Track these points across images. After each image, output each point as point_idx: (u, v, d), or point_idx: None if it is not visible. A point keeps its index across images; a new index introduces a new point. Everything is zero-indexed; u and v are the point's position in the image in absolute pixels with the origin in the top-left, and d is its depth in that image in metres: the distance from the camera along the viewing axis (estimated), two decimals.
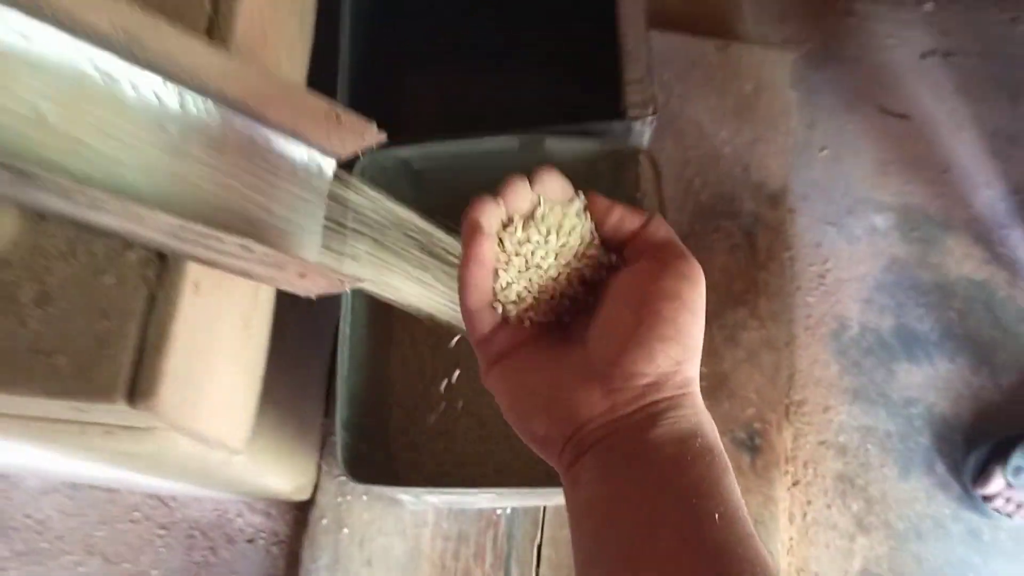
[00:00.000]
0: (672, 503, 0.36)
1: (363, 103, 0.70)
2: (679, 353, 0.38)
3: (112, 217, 0.45)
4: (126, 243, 0.51)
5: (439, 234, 0.56)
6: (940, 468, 1.06)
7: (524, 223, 0.42)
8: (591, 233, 0.43)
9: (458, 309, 0.50)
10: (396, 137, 0.59)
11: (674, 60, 1.18)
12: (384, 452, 0.86)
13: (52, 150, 0.45)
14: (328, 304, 0.74)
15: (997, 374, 1.09)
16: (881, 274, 1.13)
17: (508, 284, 0.42)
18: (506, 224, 0.42)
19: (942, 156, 1.18)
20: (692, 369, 0.39)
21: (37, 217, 0.51)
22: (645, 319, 0.38)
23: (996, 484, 1.01)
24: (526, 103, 1.02)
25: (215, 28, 0.55)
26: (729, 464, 0.37)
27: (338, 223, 0.58)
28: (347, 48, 0.80)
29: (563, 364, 0.41)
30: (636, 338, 0.38)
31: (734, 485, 0.37)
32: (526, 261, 0.42)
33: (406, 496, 0.83)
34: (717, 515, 0.35)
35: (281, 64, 0.65)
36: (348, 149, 0.57)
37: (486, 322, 0.43)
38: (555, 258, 0.43)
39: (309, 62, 0.70)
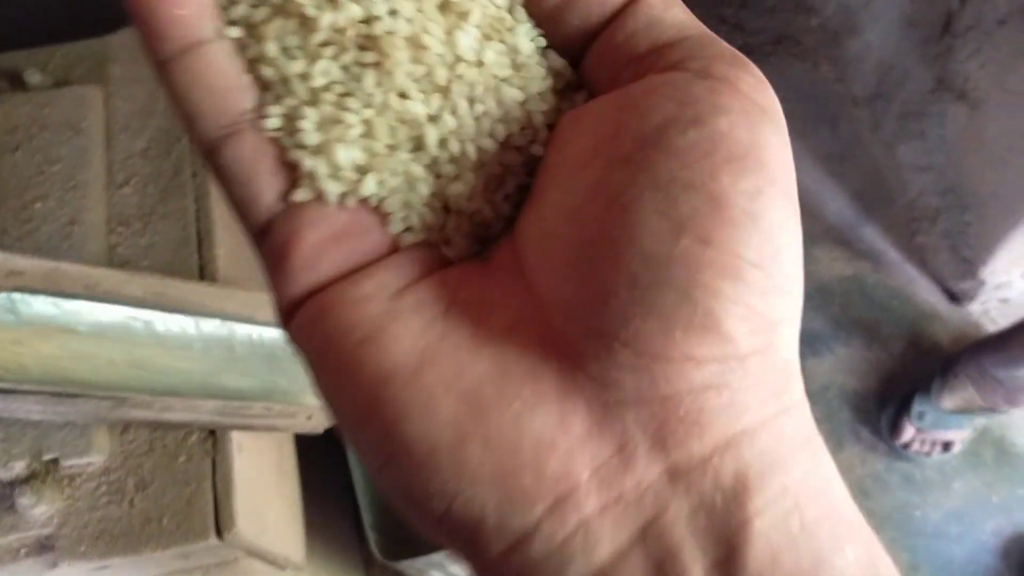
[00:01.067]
0: None
1: None
2: (772, 302, 0.19)
3: (176, 413, 0.68)
4: (188, 431, 0.74)
5: None
6: (864, 434, 1.27)
7: None
8: (505, 3, 0.22)
9: None
10: None
11: None
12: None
13: (128, 380, 0.68)
14: (332, 445, 0.96)
15: (887, 345, 1.32)
16: None
17: (292, 97, 0.21)
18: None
19: None
20: (794, 331, 0.20)
21: (120, 430, 0.74)
22: (687, 222, 0.18)
23: (908, 432, 1.22)
24: None
25: (206, 272, 0.79)
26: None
27: None
28: None
29: (485, 313, 0.20)
30: (666, 272, 0.18)
31: None
32: (340, 48, 0.21)
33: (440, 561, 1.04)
34: None
35: (252, 281, 0.89)
36: None
37: (260, 190, 0.21)
38: (407, 48, 0.21)
39: None
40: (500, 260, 0.21)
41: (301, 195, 0.21)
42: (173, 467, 0.73)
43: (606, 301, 0.18)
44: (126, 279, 0.68)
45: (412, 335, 0.20)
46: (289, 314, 0.22)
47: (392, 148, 0.21)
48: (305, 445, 0.88)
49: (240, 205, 0.21)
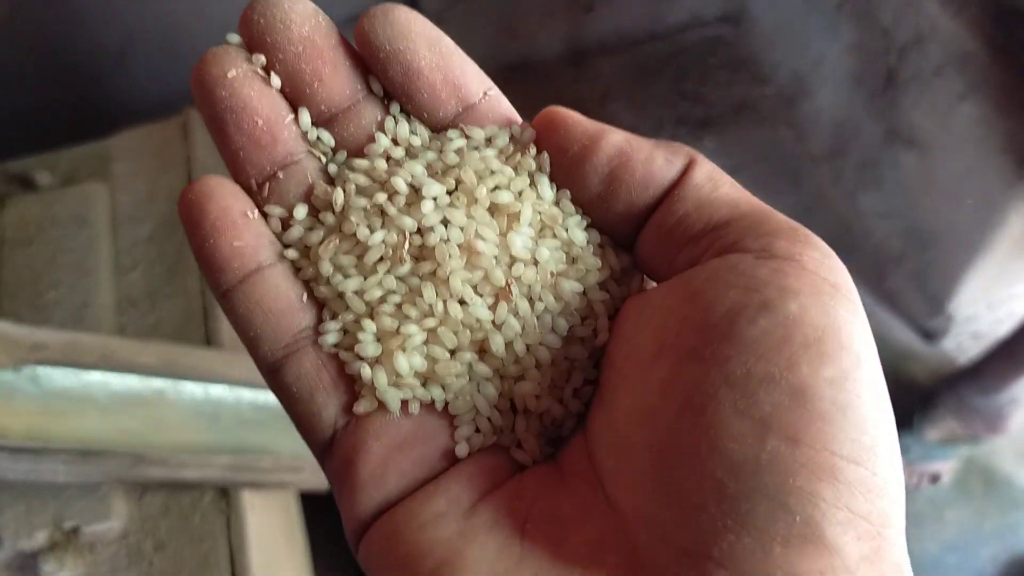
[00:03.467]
0: None
1: None
2: (874, 502, 0.18)
3: (191, 470, 0.72)
4: (201, 493, 0.77)
5: None
6: None
7: (365, 159, 0.23)
8: (553, 196, 0.23)
9: None
10: None
11: None
12: None
13: (144, 440, 0.72)
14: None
15: None
16: None
17: (348, 312, 0.22)
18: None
19: None
20: (901, 544, 0.18)
21: (138, 494, 0.78)
22: (770, 421, 0.17)
23: None
24: None
25: (212, 344, 0.85)
26: None
27: None
28: None
29: (562, 533, 0.19)
30: (755, 480, 0.17)
31: None
32: (394, 261, 0.22)
33: None
34: None
35: None
36: None
37: (321, 407, 0.22)
38: (461, 256, 0.21)
39: None
40: (574, 464, 0.20)
41: (363, 406, 0.21)
42: (189, 527, 0.76)
43: (694, 517, 0.17)
44: (140, 348, 0.73)
45: (489, 561, 0.18)
46: (358, 534, 0.21)
47: (455, 352, 0.21)
48: (309, 507, 0.92)
49: (304, 422, 0.22)
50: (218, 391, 0.79)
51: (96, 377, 0.74)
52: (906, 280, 1.38)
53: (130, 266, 0.88)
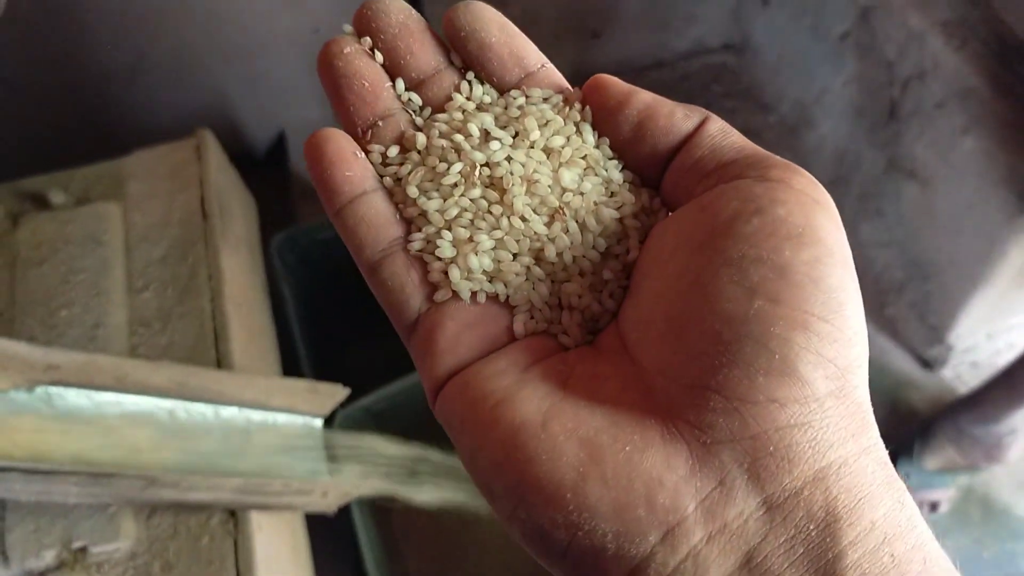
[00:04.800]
0: None
1: (323, 375, 1.01)
2: (839, 351, 0.22)
3: (201, 492, 0.73)
4: (209, 514, 0.78)
5: (397, 447, 0.86)
6: None
7: (446, 113, 0.29)
8: (595, 143, 0.28)
9: (433, 492, 0.79)
10: (355, 392, 0.88)
11: None
12: None
13: (154, 460, 0.73)
14: (340, 526, 1.00)
15: None
16: None
17: (435, 229, 0.28)
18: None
19: None
20: (864, 384, 0.23)
21: (146, 515, 0.78)
22: (758, 288, 0.22)
23: None
24: None
25: (222, 365, 0.85)
26: None
27: (333, 458, 0.86)
28: (303, 347, 1.11)
29: (597, 385, 0.24)
30: (744, 328, 0.22)
31: None
32: (467, 186, 0.28)
33: None
34: None
35: (263, 369, 0.95)
36: (327, 408, 0.86)
37: (409, 296, 0.28)
38: (527, 192, 0.27)
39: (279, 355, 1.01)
40: (607, 344, 0.26)
41: (441, 295, 0.27)
42: (197, 548, 0.77)
43: (697, 358, 0.22)
44: (153, 369, 0.74)
45: (538, 398, 0.24)
46: (436, 391, 0.27)
47: (516, 257, 0.28)
48: (315, 529, 0.92)
49: (394, 309, 0.28)
50: (228, 413, 0.80)
51: (109, 398, 0.74)
52: (906, 309, 1.39)
53: (142, 287, 0.88)
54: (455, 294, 0.27)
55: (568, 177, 0.28)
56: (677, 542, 0.21)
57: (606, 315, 0.28)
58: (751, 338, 0.22)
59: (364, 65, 0.29)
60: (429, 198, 0.28)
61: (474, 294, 0.27)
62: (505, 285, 0.27)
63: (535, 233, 0.27)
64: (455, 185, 0.28)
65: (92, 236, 0.90)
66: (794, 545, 0.21)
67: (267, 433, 0.82)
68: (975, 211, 1.17)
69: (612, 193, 0.29)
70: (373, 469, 0.86)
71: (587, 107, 0.29)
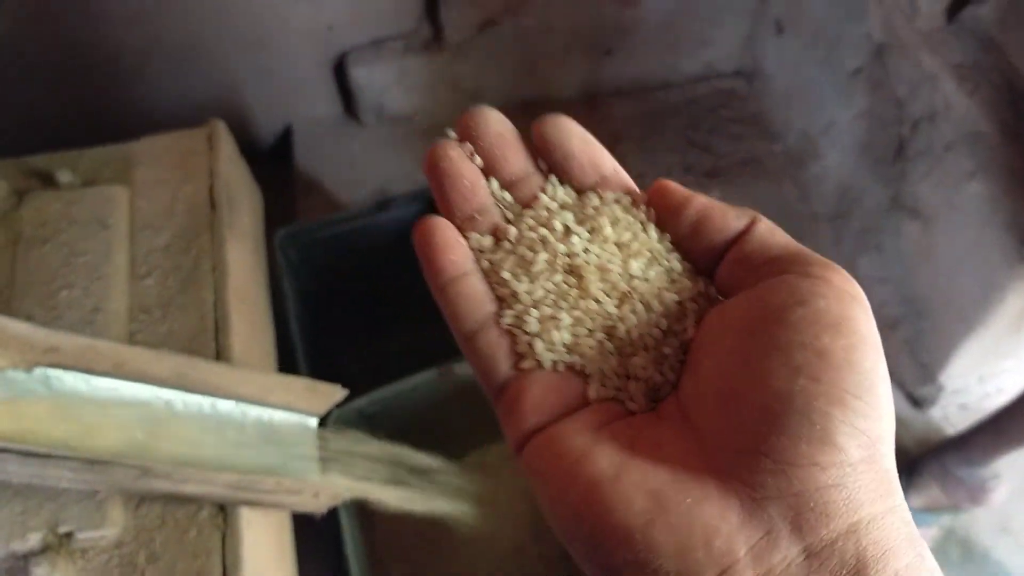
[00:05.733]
0: None
1: (318, 373, 1.00)
2: (870, 422, 0.25)
3: (194, 485, 0.72)
4: (199, 507, 0.77)
5: (390, 449, 0.85)
6: None
7: (533, 210, 0.34)
8: (659, 238, 0.33)
9: (419, 498, 0.78)
10: (350, 394, 0.88)
11: None
12: None
13: (149, 450, 0.72)
14: (323, 526, 0.99)
15: None
16: None
17: (524, 308, 0.32)
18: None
19: None
20: (892, 455, 0.26)
21: (135, 504, 0.77)
22: (802, 368, 0.25)
23: None
24: (439, 347, 1.34)
25: (221, 358, 0.85)
26: None
27: (325, 459, 0.85)
28: (301, 344, 1.10)
29: (660, 446, 0.28)
30: (790, 403, 0.25)
31: None
32: (550, 272, 0.33)
33: None
34: None
35: (262, 364, 0.94)
36: (323, 407, 0.86)
37: (497, 364, 0.32)
38: (600, 278, 0.32)
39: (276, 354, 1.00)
40: (668, 412, 0.30)
41: (527, 363, 0.32)
42: (184, 541, 0.76)
43: (749, 427, 0.26)
44: (153, 358, 0.73)
45: (610, 455, 0.28)
46: (520, 446, 0.30)
47: (591, 333, 0.32)
48: (298, 527, 0.92)
49: (485, 373, 0.32)
50: (226, 406, 0.79)
51: (107, 383, 0.73)
52: (899, 346, 1.40)
53: (145, 273, 0.88)
54: (539, 363, 0.31)
55: (635, 266, 0.32)
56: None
57: (667, 386, 0.31)
58: (796, 411, 0.25)
59: (466, 167, 0.34)
60: (519, 281, 0.32)
61: (555, 363, 0.32)
62: (581, 357, 0.31)
63: (607, 313, 0.32)
64: (541, 271, 0.32)
65: (97, 219, 0.89)
66: None
67: (262, 429, 0.81)
68: (976, 254, 1.18)
69: (673, 280, 0.32)
70: (363, 472, 0.86)
71: (651, 208, 0.33)
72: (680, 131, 1.72)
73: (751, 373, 0.26)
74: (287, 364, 1.03)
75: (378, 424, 1.09)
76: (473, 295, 0.32)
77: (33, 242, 0.87)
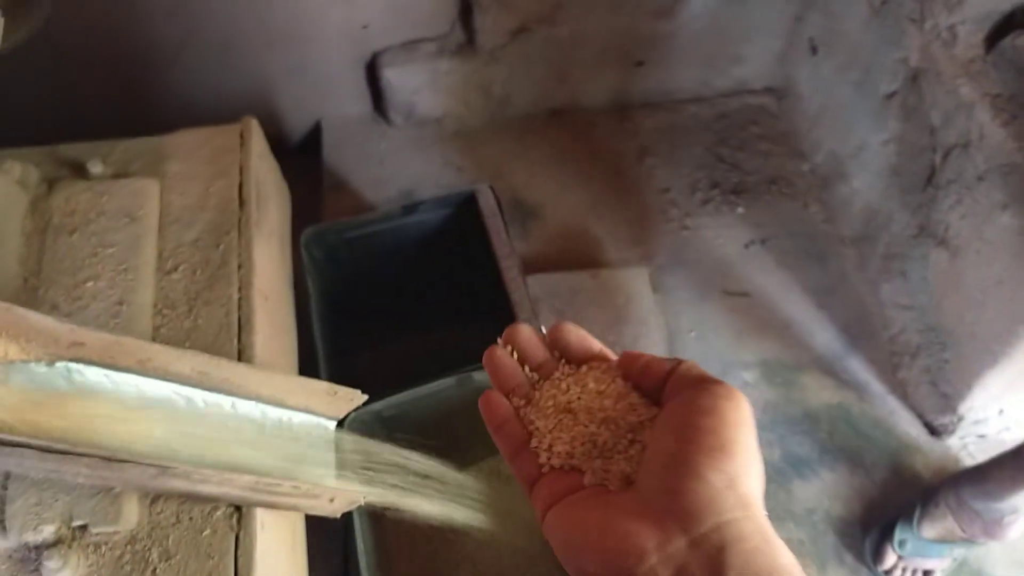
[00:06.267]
0: None
1: (337, 375, 1.00)
2: (728, 464, 0.38)
3: (211, 486, 0.72)
4: (215, 506, 0.77)
5: (406, 456, 0.85)
6: (848, 558, 1.30)
7: (548, 380, 0.50)
8: (623, 385, 0.47)
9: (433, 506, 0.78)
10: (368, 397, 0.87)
11: (561, 292, 1.51)
12: None
13: (166, 451, 0.72)
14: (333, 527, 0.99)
15: (870, 472, 1.36)
16: (761, 416, 1.42)
17: (542, 436, 0.47)
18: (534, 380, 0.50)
19: (781, 316, 1.52)
20: (750, 485, 0.38)
21: (150, 500, 0.77)
22: (687, 437, 0.39)
23: (890, 559, 1.26)
24: (454, 352, 1.33)
25: (243, 357, 0.85)
26: None
27: (341, 462, 0.85)
28: (321, 345, 1.10)
29: (616, 503, 0.41)
30: (680, 457, 0.38)
31: None
32: (556, 414, 0.48)
33: None
34: None
35: (282, 364, 0.94)
36: (342, 412, 0.85)
37: (529, 470, 0.47)
38: (587, 413, 0.47)
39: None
40: (627, 485, 0.43)
41: (545, 468, 0.46)
42: (198, 540, 0.76)
43: (664, 479, 0.39)
44: (176, 357, 0.73)
45: (593, 511, 0.42)
46: (543, 515, 0.44)
47: (582, 444, 0.46)
48: (308, 522, 0.92)
49: (523, 478, 0.47)
50: (245, 407, 0.79)
51: (128, 379, 0.73)
52: (920, 374, 1.39)
53: (172, 268, 0.88)
54: (552, 467, 0.46)
55: (608, 403, 0.47)
56: (643, 564, 0.38)
57: (633, 473, 0.43)
58: (683, 463, 0.39)
59: (508, 361, 0.50)
60: (539, 421, 0.48)
61: (562, 465, 0.46)
62: (578, 460, 0.46)
63: (592, 432, 0.46)
64: (550, 414, 0.47)
65: (126, 211, 0.89)
66: (704, 564, 0.36)
67: (281, 430, 0.81)
68: (1004, 287, 1.17)
69: (634, 408, 0.46)
70: (378, 477, 0.85)
71: (620, 367, 0.48)
72: (708, 146, 1.72)
73: (664, 449, 0.40)
74: (307, 362, 1.03)
75: (395, 427, 1.09)
76: (514, 432, 0.48)
77: (61, 231, 0.88)
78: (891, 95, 1.37)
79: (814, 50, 1.60)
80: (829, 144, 1.60)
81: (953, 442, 1.38)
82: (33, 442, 0.61)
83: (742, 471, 0.38)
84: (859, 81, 1.46)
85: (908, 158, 1.34)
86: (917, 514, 1.26)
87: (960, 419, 1.33)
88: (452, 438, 1.08)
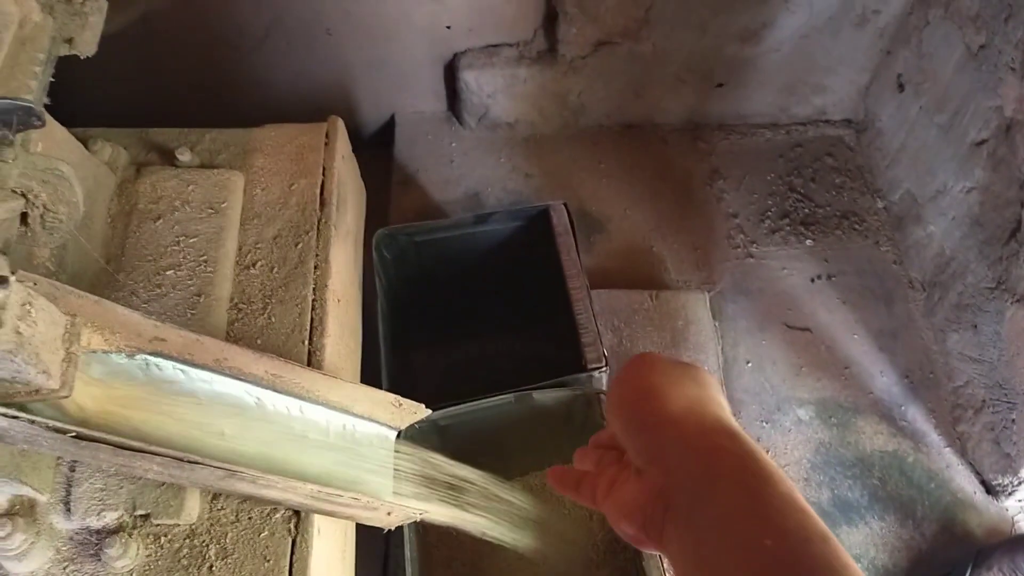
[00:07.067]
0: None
1: (396, 374, 1.00)
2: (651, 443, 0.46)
3: (275, 491, 0.72)
4: (274, 508, 0.77)
5: (463, 471, 0.84)
6: None
7: None
8: None
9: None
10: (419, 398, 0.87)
11: (620, 309, 1.50)
12: None
13: (234, 449, 0.72)
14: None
15: (920, 525, 1.33)
16: (812, 456, 1.39)
17: None
18: None
19: (842, 355, 1.49)
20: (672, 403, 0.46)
21: (211, 497, 0.78)
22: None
23: None
24: (506, 361, 1.33)
25: (312, 360, 0.85)
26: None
27: (398, 472, 0.85)
28: (384, 345, 1.10)
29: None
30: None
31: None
32: None
33: None
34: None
35: (348, 367, 0.94)
36: (405, 423, 0.85)
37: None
38: None
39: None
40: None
41: None
42: (255, 541, 0.76)
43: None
44: (252, 359, 0.73)
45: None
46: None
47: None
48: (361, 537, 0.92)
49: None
50: (312, 411, 0.79)
51: (204, 376, 0.74)
52: (982, 430, 1.35)
53: (250, 263, 0.88)
54: None
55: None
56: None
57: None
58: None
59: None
60: None
61: None
62: None
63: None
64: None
65: (210, 202, 0.89)
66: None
67: (344, 437, 0.81)
68: None
69: None
70: (432, 489, 0.85)
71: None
72: (781, 174, 1.69)
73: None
74: (368, 360, 1.02)
75: (449, 435, 1.09)
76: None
77: (146, 217, 0.88)
78: (980, 143, 1.33)
79: (901, 87, 1.56)
80: (907, 184, 1.57)
81: (1011, 504, 1.34)
82: (109, 438, 0.61)
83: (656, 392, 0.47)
84: (946, 124, 1.42)
85: (992, 209, 1.31)
86: (970, 573, 1.23)
87: (1021, 481, 1.30)
88: (502, 451, 1.07)
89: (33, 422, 0.58)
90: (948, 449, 1.40)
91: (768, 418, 1.42)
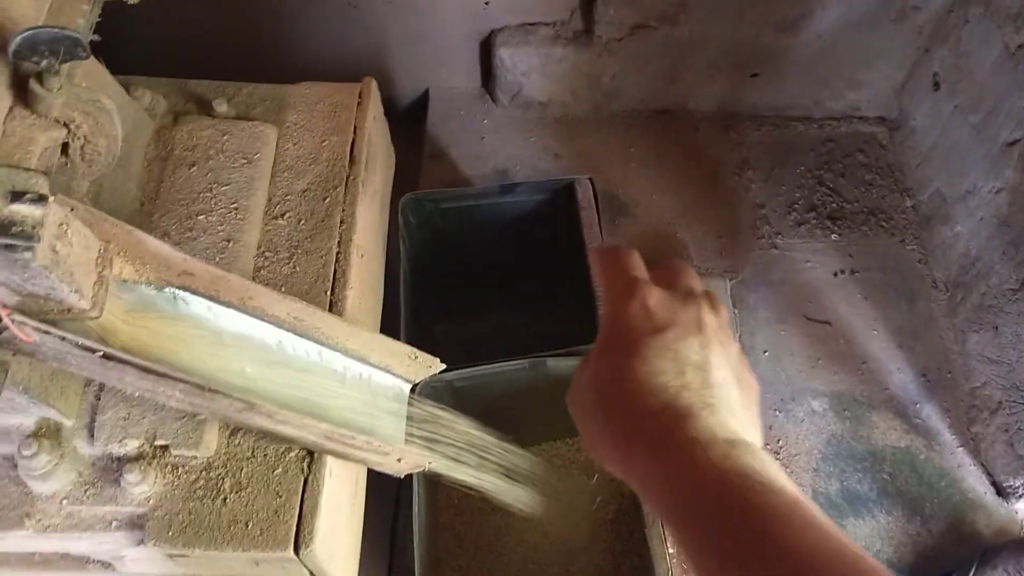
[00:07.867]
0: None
1: (414, 340, 1.02)
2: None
3: (291, 428, 0.75)
4: (288, 447, 0.80)
5: (475, 431, 0.86)
6: None
7: None
8: None
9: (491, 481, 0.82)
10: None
11: None
12: None
13: (255, 386, 0.75)
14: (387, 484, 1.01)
15: (927, 522, 1.34)
16: (824, 448, 1.40)
17: None
18: None
19: (860, 351, 1.49)
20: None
21: (230, 432, 0.80)
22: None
23: None
24: (524, 337, 1.35)
25: (334, 310, 0.87)
26: None
27: (411, 424, 0.87)
28: (404, 308, 1.12)
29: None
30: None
31: None
32: None
33: None
34: None
35: (368, 322, 0.96)
36: (420, 376, 0.87)
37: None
38: None
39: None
40: None
41: None
42: (268, 477, 0.79)
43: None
44: (276, 300, 0.76)
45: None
46: None
47: None
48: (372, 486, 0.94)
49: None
50: (331, 357, 0.82)
51: (229, 314, 0.76)
52: (996, 431, 1.35)
53: (279, 213, 0.90)
54: None
55: None
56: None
57: None
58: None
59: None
60: None
61: None
62: None
63: None
64: None
65: (244, 152, 0.92)
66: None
67: (360, 385, 0.84)
68: None
69: None
70: (443, 445, 0.87)
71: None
72: (810, 167, 1.69)
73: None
74: (388, 323, 1.05)
75: (463, 398, 1.11)
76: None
77: (181, 163, 0.91)
78: (1013, 143, 1.33)
79: (937, 85, 1.56)
80: (937, 183, 1.56)
81: (1020, 506, 1.34)
82: (136, 360, 0.64)
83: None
84: (980, 124, 1.42)
85: (1020, 210, 1.31)
86: (972, 573, 1.23)
87: None
88: (515, 417, 1.09)
89: (64, 338, 0.61)
90: (961, 449, 1.40)
91: (782, 407, 1.43)
